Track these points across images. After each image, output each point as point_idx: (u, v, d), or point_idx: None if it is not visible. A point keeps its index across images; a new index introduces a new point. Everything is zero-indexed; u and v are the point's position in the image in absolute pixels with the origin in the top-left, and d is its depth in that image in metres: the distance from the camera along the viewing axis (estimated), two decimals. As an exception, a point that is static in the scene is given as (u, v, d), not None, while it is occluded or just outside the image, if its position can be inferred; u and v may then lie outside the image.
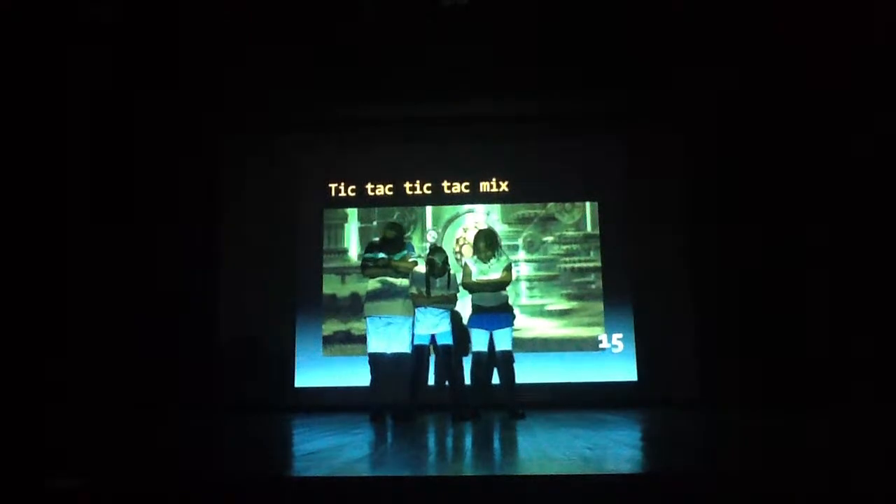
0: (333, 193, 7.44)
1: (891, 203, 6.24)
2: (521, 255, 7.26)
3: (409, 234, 7.18)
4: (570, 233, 7.31)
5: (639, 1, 6.16)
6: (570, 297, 7.18)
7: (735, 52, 6.46)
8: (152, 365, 6.56)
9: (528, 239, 7.31)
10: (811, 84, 6.43)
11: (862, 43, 6.08)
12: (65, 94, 6.58)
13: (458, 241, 7.31)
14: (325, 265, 7.32)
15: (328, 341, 7.18)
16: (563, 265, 7.25)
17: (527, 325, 7.07)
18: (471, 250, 5.66)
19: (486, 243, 5.47)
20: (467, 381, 5.52)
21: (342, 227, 7.42)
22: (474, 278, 5.44)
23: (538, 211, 7.34)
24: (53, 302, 6.58)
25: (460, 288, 5.55)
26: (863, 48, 6.11)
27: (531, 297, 7.20)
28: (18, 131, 6.52)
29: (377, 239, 5.63)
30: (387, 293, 5.31)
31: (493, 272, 5.42)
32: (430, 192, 7.41)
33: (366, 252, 5.49)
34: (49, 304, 6.57)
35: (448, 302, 5.51)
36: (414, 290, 5.43)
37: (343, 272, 7.31)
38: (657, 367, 6.90)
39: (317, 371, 7.09)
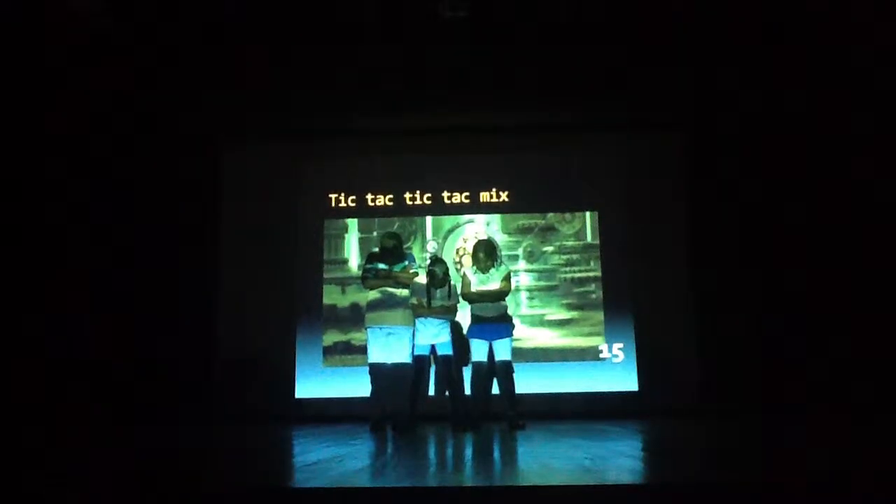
0: (333, 204, 7.45)
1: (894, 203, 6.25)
2: (522, 265, 7.26)
3: (409, 244, 7.19)
4: (570, 243, 7.31)
5: (638, 7, 6.19)
6: (570, 307, 7.18)
7: (734, 59, 6.48)
8: (152, 375, 6.55)
9: (528, 249, 7.31)
10: (811, 87, 6.45)
11: (863, 44, 6.10)
12: (64, 98, 6.59)
13: (458, 251, 7.32)
14: (325, 275, 7.32)
15: (328, 352, 7.17)
16: (563, 275, 7.25)
17: (527, 335, 7.06)
18: (470, 260, 5.66)
19: (486, 254, 5.47)
20: (467, 391, 5.52)
21: (342, 238, 7.43)
22: (473, 289, 5.44)
23: (538, 221, 7.35)
24: (52, 307, 6.58)
25: (460, 298, 5.55)
26: (863, 49, 6.14)
27: (531, 306, 7.20)
28: (18, 132, 6.54)
29: (377, 249, 5.64)
30: (387, 303, 5.32)
31: (493, 282, 5.42)
32: (430, 202, 7.42)
33: (366, 263, 5.50)
34: (48, 309, 6.57)
35: (448, 312, 5.51)
36: (414, 301, 5.43)
37: (343, 282, 7.31)
38: (658, 377, 6.89)
39: (317, 382, 7.08)
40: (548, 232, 7.34)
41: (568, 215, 7.36)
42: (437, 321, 5.46)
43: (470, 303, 5.48)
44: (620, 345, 7.05)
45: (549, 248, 7.30)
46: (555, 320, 7.16)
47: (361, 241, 7.38)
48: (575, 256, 7.28)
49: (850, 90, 6.27)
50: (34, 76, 6.41)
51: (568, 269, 7.26)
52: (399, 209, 7.42)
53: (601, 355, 7.05)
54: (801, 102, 6.53)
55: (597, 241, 7.27)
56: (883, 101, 6.17)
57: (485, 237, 6.65)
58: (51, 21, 6.10)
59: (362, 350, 5.76)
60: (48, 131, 6.63)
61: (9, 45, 6.14)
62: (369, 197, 7.44)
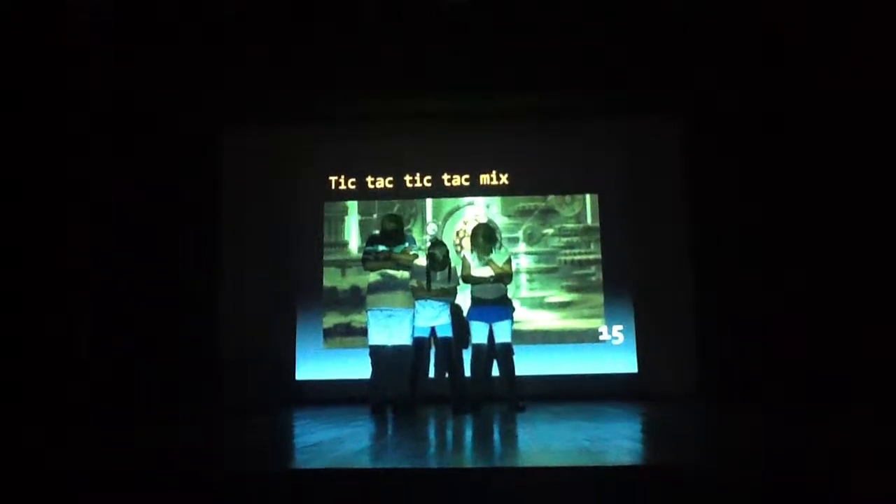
0: (333, 186, 7.43)
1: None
2: (522, 247, 7.26)
3: (409, 226, 7.18)
4: (570, 225, 7.30)
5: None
6: (570, 290, 7.19)
7: (735, 48, 6.45)
8: (152, 359, 6.57)
9: (529, 231, 7.30)
10: (811, 80, 6.42)
11: (863, 43, 6.07)
12: (64, 91, 6.56)
13: (458, 233, 7.31)
14: (325, 258, 7.32)
15: (329, 334, 7.19)
16: (563, 257, 7.24)
17: (527, 318, 7.08)
18: (470, 243, 5.66)
19: (485, 238, 5.47)
20: (467, 373, 5.54)
21: (342, 220, 7.42)
22: (473, 271, 5.43)
23: (538, 203, 7.34)
24: (53, 299, 6.58)
25: (460, 281, 5.55)
26: (863, 48, 6.10)
27: (531, 289, 7.21)
28: (18, 129, 6.52)
29: (377, 232, 5.63)
30: (387, 285, 5.33)
31: (493, 265, 5.42)
32: (430, 184, 7.40)
33: (366, 245, 5.50)
34: (49, 301, 6.58)
35: (448, 295, 5.51)
36: (414, 283, 5.43)
37: (343, 265, 7.32)
38: (657, 359, 6.91)
39: (317, 364, 7.10)
40: (548, 214, 7.33)
41: (568, 198, 7.34)
42: (436, 303, 5.47)
43: (471, 284, 5.48)
44: (620, 327, 7.06)
45: (549, 231, 7.29)
46: (555, 303, 7.17)
47: (362, 224, 7.37)
48: (575, 239, 7.28)
49: (850, 86, 6.24)
50: (33, 69, 6.38)
51: (568, 251, 7.26)
52: (399, 192, 7.40)
53: (601, 337, 7.07)
54: (801, 90, 6.50)
55: (597, 224, 7.26)
56: (883, 99, 6.15)
57: (485, 220, 6.64)
58: (49, 13, 6.06)
59: (363, 332, 5.77)
60: (48, 127, 6.60)
61: (15, 24, 6.10)
62: (369, 179, 7.43)
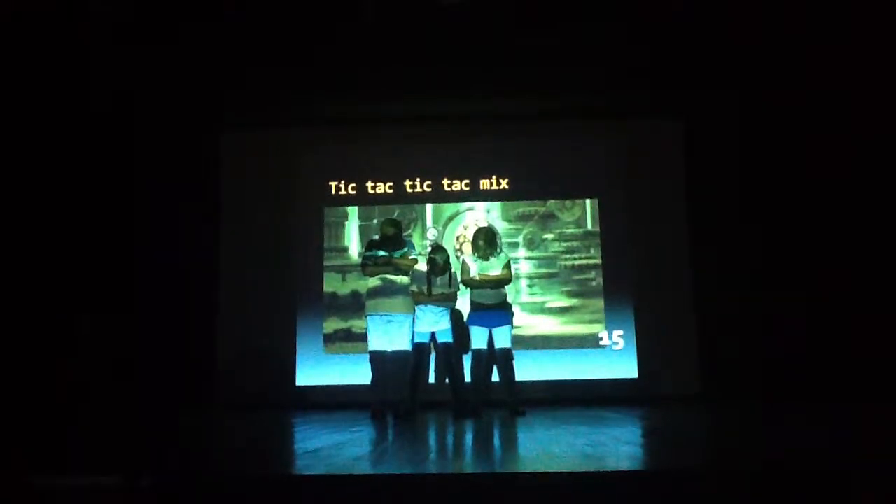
0: (333, 191, 7.43)
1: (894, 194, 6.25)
2: (522, 252, 7.25)
3: (409, 231, 7.19)
4: (571, 230, 7.30)
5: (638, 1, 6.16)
6: (570, 295, 7.18)
7: (735, 48, 6.46)
8: (152, 363, 6.56)
9: (529, 236, 7.30)
10: (811, 83, 6.43)
11: (862, 42, 6.08)
12: (64, 92, 6.57)
13: (458, 238, 7.31)
14: (325, 263, 7.32)
15: (329, 339, 7.18)
16: (563, 262, 7.24)
17: (527, 323, 7.07)
18: (470, 248, 5.66)
19: (485, 241, 5.46)
20: (467, 378, 5.53)
21: (342, 225, 7.42)
22: (473, 275, 5.43)
23: (538, 208, 7.34)
24: (55, 300, 6.58)
25: (461, 286, 5.55)
26: (863, 48, 6.12)
27: (531, 294, 7.20)
28: (17, 130, 6.52)
29: (377, 237, 5.64)
30: (387, 291, 5.32)
31: (493, 270, 5.42)
32: (430, 189, 7.40)
33: (366, 250, 5.50)
34: (51, 302, 6.57)
35: (448, 300, 5.51)
36: (414, 288, 5.43)
37: (344, 270, 7.31)
38: (658, 364, 6.90)
39: (318, 369, 7.09)
40: (548, 219, 7.33)
41: (568, 202, 7.34)
42: (437, 308, 5.46)
43: (470, 288, 5.47)
44: (620, 332, 7.06)
45: (550, 236, 7.29)
46: (555, 308, 7.16)
47: (362, 229, 7.37)
48: (575, 244, 7.28)
49: (849, 85, 6.25)
50: (33, 69, 6.38)
51: (568, 256, 7.25)
52: (399, 197, 7.40)
53: (601, 342, 7.06)
54: (800, 90, 6.51)
55: (597, 229, 7.26)
56: (882, 98, 6.16)
57: (485, 224, 6.64)
58: (49, 14, 6.06)
59: (363, 337, 5.76)
60: (47, 128, 6.61)
61: (14, 25, 6.11)
62: (369, 184, 7.43)
